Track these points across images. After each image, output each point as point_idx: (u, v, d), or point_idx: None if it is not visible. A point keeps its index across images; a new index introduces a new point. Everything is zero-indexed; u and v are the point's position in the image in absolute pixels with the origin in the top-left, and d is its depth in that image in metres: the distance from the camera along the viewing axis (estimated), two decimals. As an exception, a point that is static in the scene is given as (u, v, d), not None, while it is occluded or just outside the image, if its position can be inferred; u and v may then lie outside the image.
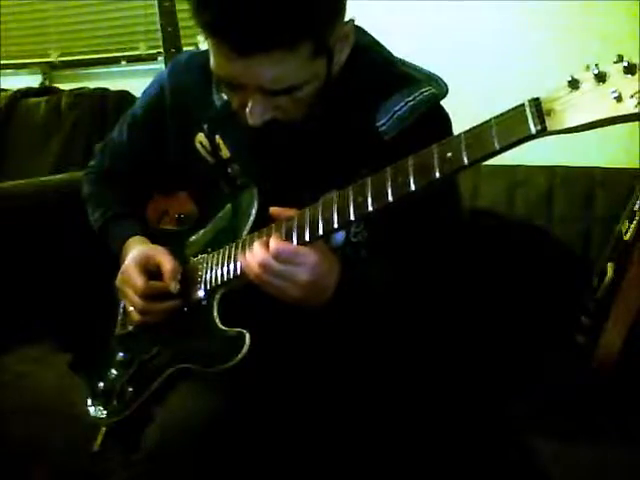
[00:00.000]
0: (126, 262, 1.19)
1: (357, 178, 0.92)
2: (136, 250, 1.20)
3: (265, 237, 1.00)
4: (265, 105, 0.99)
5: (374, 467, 1.06)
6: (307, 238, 0.95)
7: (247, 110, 0.99)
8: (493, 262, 1.51)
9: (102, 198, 1.34)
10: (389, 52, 1.14)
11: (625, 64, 0.69)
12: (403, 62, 1.13)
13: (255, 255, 0.96)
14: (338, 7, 0.98)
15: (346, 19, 1.01)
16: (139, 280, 1.14)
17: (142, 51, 2.47)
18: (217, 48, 0.95)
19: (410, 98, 1.05)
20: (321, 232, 0.94)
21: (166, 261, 1.16)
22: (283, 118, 1.02)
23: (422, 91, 1.05)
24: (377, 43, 1.14)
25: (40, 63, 2.72)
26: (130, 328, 1.26)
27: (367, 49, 1.12)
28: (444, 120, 1.12)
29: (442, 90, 1.08)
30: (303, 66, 0.95)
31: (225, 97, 1.14)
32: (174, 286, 1.14)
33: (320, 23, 0.94)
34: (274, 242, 0.95)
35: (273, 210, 1.01)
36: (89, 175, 1.40)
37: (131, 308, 1.18)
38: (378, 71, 1.10)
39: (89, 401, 1.23)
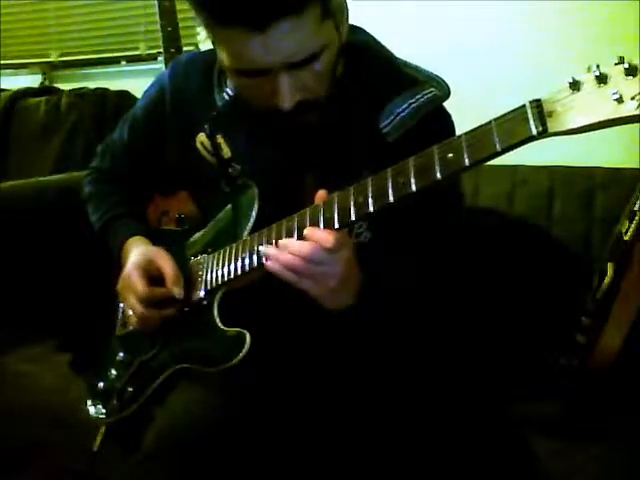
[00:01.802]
0: (127, 266, 1.18)
1: (359, 179, 0.92)
2: (137, 253, 1.20)
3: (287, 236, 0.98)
4: (292, 84, 0.97)
5: (375, 465, 1.06)
6: None
7: (277, 97, 0.98)
8: (493, 262, 1.51)
9: (103, 199, 1.34)
10: (391, 53, 1.14)
11: (626, 66, 0.69)
12: (405, 63, 1.13)
13: (302, 248, 0.93)
14: None
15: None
16: (140, 286, 1.14)
17: (142, 51, 2.47)
18: (231, 37, 0.94)
19: (413, 100, 1.05)
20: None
21: (167, 266, 1.15)
22: (310, 98, 1.01)
23: (425, 93, 1.06)
24: (379, 44, 1.14)
25: (40, 63, 2.72)
26: (130, 328, 1.26)
27: (369, 50, 1.12)
28: (447, 122, 1.12)
29: (445, 92, 1.08)
30: (316, 30, 0.94)
31: (227, 97, 1.14)
32: (178, 292, 1.13)
33: None
34: (320, 232, 0.93)
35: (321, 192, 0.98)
36: (90, 176, 1.40)
37: (130, 312, 1.18)
38: (381, 72, 1.10)
39: (89, 401, 1.24)
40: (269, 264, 0.96)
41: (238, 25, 0.91)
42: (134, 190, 1.34)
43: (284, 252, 0.94)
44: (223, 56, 0.99)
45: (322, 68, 0.99)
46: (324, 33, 0.96)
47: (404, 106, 1.05)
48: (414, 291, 1.09)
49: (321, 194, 0.96)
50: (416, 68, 1.12)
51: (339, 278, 0.94)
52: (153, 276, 1.16)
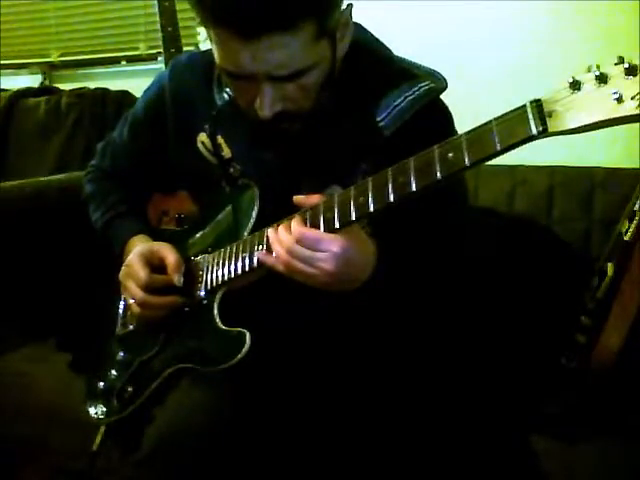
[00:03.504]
0: (130, 256, 1.19)
1: (358, 174, 0.92)
2: (140, 245, 1.21)
3: (288, 222, 0.98)
4: (274, 95, 0.98)
5: (375, 465, 1.06)
6: None
7: (257, 103, 0.99)
8: (493, 262, 1.51)
9: (103, 197, 1.34)
10: (388, 49, 1.14)
11: (626, 66, 0.69)
12: (402, 59, 1.13)
13: (282, 241, 0.95)
14: None
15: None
16: (142, 272, 1.15)
17: (142, 51, 2.47)
18: (222, 38, 0.95)
19: (409, 93, 1.05)
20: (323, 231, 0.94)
21: (170, 255, 1.16)
22: (293, 109, 1.01)
23: (421, 86, 1.06)
24: (377, 40, 1.15)
25: (40, 63, 2.72)
26: (130, 327, 1.26)
27: (367, 46, 1.12)
28: (444, 114, 1.12)
29: (441, 84, 1.08)
30: (307, 48, 0.94)
31: (227, 96, 1.14)
32: (178, 279, 1.14)
33: (322, 3, 0.94)
34: (297, 227, 0.94)
35: (296, 198, 0.99)
36: (90, 174, 1.40)
37: (131, 301, 1.18)
38: (378, 68, 1.10)
39: (89, 401, 1.24)
40: (259, 254, 0.99)
41: (229, 29, 0.92)
42: (134, 189, 1.34)
43: (275, 243, 0.96)
44: (215, 53, 1.00)
45: (308, 83, 0.99)
46: (316, 52, 0.97)
47: (400, 99, 1.05)
48: (415, 287, 1.09)
49: (298, 198, 0.98)
50: (413, 64, 1.12)
51: (327, 276, 0.94)
52: (155, 266, 1.17)
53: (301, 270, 0.94)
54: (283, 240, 0.95)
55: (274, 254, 0.97)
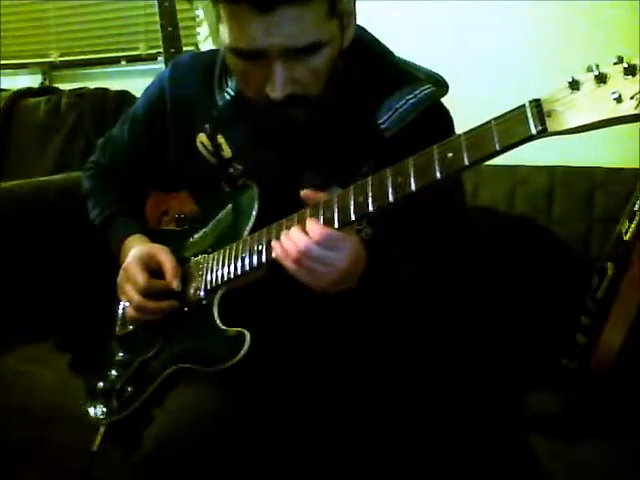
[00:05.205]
0: (128, 259, 1.19)
1: (358, 175, 0.92)
2: (138, 248, 1.21)
3: (298, 224, 0.97)
4: (286, 75, 0.98)
5: (374, 464, 1.06)
6: None
7: (267, 86, 0.99)
8: (493, 262, 1.51)
9: (102, 195, 1.34)
10: (390, 51, 1.15)
11: (625, 65, 0.69)
12: (404, 61, 1.14)
13: (296, 241, 0.94)
14: None
15: None
16: (140, 277, 1.14)
17: (142, 51, 2.47)
18: (235, 14, 0.95)
19: (411, 96, 1.06)
20: None
21: (167, 260, 1.16)
22: (302, 92, 1.01)
23: (423, 89, 1.06)
24: (379, 43, 1.15)
25: (40, 63, 2.73)
26: (130, 328, 1.26)
27: (369, 48, 1.12)
28: (445, 117, 1.13)
29: (443, 88, 1.09)
30: (320, 23, 0.96)
31: (228, 96, 1.14)
32: (177, 284, 1.14)
33: None
34: (316, 227, 0.93)
35: (304, 192, 0.99)
36: (89, 170, 1.40)
37: (127, 304, 1.18)
38: (380, 70, 1.11)
39: (89, 401, 1.23)
40: (273, 244, 0.98)
41: (244, 3, 0.92)
42: (133, 188, 1.34)
43: (287, 240, 0.95)
44: (225, 34, 0.99)
45: (319, 65, 1.00)
46: (327, 29, 0.97)
47: (402, 102, 1.06)
48: (414, 286, 1.09)
49: (310, 194, 0.98)
50: (415, 66, 1.13)
51: (338, 273, 0.94)
52: (153, 270, 1.17)
53: (314, 269, 0.93)
54: (298, 240, 0.94)
55: (287, 253, 0.95)
